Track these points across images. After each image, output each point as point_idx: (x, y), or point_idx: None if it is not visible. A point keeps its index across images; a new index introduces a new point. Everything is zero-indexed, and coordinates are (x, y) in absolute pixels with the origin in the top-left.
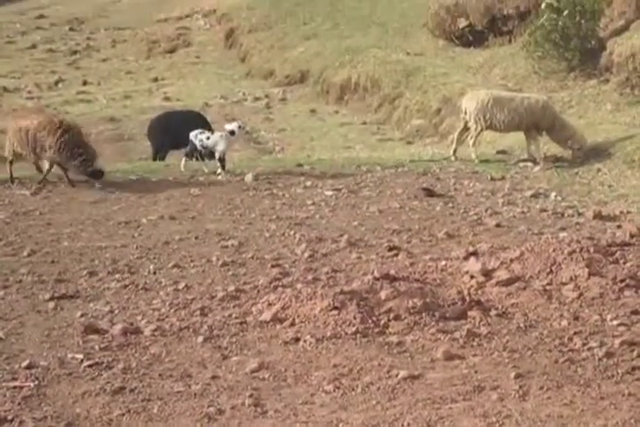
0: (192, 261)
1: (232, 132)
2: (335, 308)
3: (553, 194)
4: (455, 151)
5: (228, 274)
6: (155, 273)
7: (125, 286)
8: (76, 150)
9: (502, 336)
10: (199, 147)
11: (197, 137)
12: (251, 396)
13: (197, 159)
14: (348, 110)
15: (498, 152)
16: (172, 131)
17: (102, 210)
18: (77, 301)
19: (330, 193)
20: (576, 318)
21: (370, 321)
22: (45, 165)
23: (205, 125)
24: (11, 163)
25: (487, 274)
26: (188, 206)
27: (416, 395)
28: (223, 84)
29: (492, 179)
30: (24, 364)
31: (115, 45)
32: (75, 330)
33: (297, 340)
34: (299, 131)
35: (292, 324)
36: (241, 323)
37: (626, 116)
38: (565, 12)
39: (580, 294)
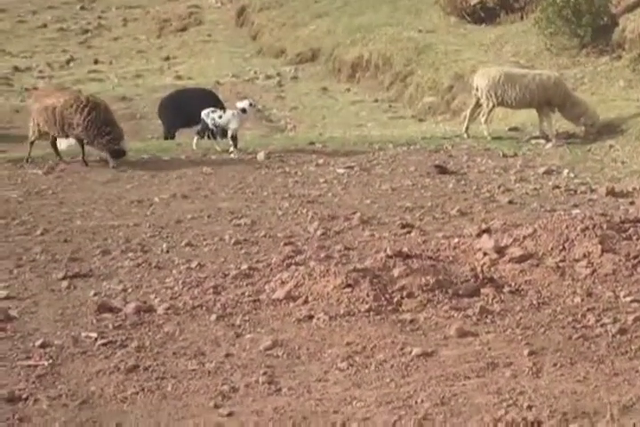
0: (205, 239)
1: (244, 110)
2: (348, 285)
3: (565, 171)
4: (467, 128)
5: (241, 252)
6: (167, 252)
7: (138, 265)
8: (103, 128)
9: (515, 313)
10: (211, 125)
11: (209, 116)
12: (264, 373)
13: (209, 138)
14: (359, 88)
15: (510, 129)
16: (183, 109)
17: (115, 189)
18: (91, 279)
19: (342, 171)
20: (589, 295)
21: (383, 299)
22: (61, 144)
23: (217, 103)
24: (32, 143)
25: (500, 251)
26: (201, 185)
27: (429, 372)
28: (234, 63)
29: (505, 156)
30: (38, 343)
31: (126, 24)
32: (88, 309)
33: (310, 317)
34: (310, 109)
35: (306, 302)
36: (254, 301)
37: (638, 92)
38: None
39: (594, 271)
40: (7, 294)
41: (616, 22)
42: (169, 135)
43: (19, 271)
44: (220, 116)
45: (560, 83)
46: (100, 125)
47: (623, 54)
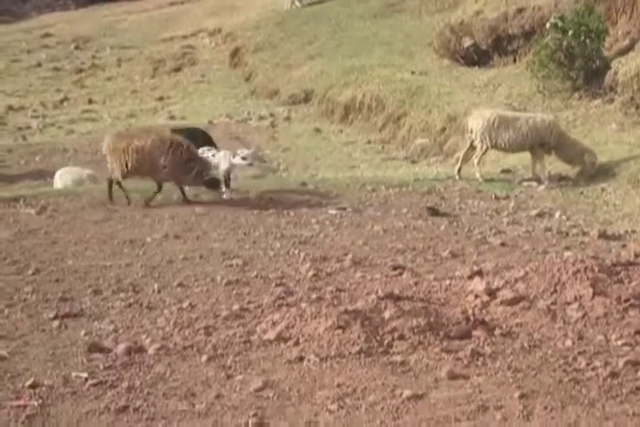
0: (196, 280)
1: (233, 155)
2: (339, 327)
3: (557, 213)
4: (460, 170)
5: (233, 293)
6: (159, 292)
7: (130, 305)
8: (188, 164)
9: (506, 356)
10: None
11: (204, 154)
12: (255, 415)
13: None
14: (352, 129)
15: (502, 171)
16: None
17: (107, 229)
18: (82, 319)
19: (334, 212)
20: (580, 338)
21: (374, 340)
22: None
23: (208, 142)
24: (119, 183)
25: (491, 293)
26: (193, 225)
27: (420, 414)
28: (228, 103)
29: (497, 198)
30: (28, 383)
31: (120, 64)
32: (79, 349)
33: (301, 359)
34: (303, 150)
35: (297, 343)
36: (245, 342)
37: (630, 135)
38: (570, 32)
39: (585, 314)
40: None
41: (608, 66)
42: None
43: (9, 311)
44: (214, 155)
45: (554, 125)
46: (185, 162)
47: (615, 97)
